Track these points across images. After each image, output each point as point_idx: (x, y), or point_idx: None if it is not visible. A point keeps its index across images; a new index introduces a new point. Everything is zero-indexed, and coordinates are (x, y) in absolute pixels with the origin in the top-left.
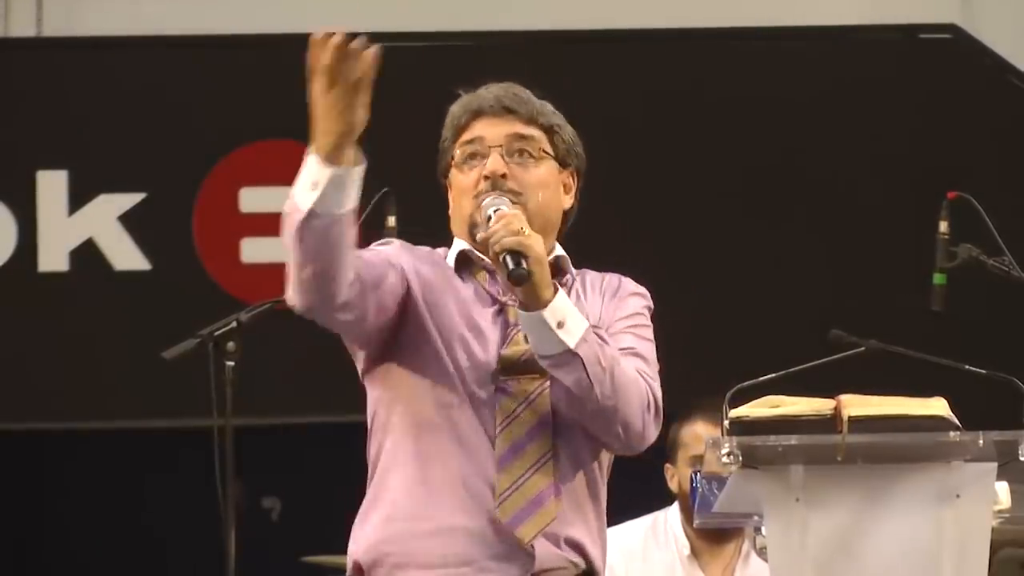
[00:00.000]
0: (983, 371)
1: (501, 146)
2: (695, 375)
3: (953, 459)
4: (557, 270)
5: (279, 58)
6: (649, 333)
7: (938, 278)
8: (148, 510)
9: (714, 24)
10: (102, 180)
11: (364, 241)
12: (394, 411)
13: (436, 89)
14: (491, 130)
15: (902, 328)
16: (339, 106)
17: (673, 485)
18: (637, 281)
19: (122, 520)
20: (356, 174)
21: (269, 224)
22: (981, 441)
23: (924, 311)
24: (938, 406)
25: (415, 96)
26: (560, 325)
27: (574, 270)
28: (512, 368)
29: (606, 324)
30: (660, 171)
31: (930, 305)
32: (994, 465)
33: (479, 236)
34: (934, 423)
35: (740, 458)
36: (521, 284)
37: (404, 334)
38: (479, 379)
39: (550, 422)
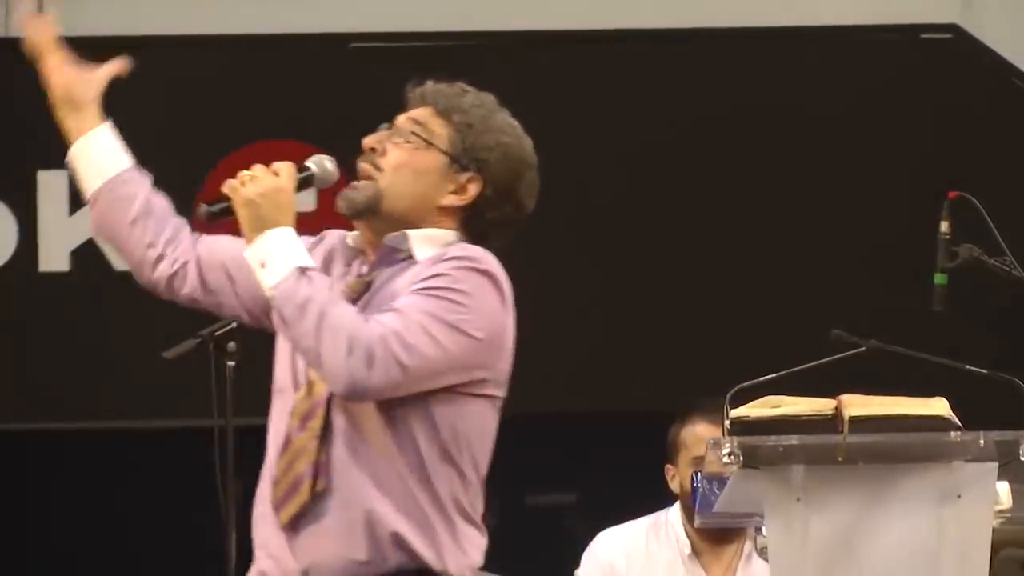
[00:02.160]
0: (984, 371)
1: (394, 125)
2: (696, 375)
3: (954, 459)
4: (388, 252)
5: (281, 59)
6: (439, 292)
7: (939, 278)
8: (148, 510)
9: (715, 24)
10: None
11: None
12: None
13: None
14: (408, 113)
15: (903, 328)
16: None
17: (674, 485)
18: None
19: (122, 521)
20: (83, 146)
21: None
22: (982, 441)
23: (925, 311)
24: (939, 406)
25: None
26: (262, 265)
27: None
28: None
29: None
30: (661, 171)
31: (931, 305)
32: (995, 465)
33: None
34: (935, 423)
35: (741, 458)
36: (207, 222)
37: None
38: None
39: (323, 404)
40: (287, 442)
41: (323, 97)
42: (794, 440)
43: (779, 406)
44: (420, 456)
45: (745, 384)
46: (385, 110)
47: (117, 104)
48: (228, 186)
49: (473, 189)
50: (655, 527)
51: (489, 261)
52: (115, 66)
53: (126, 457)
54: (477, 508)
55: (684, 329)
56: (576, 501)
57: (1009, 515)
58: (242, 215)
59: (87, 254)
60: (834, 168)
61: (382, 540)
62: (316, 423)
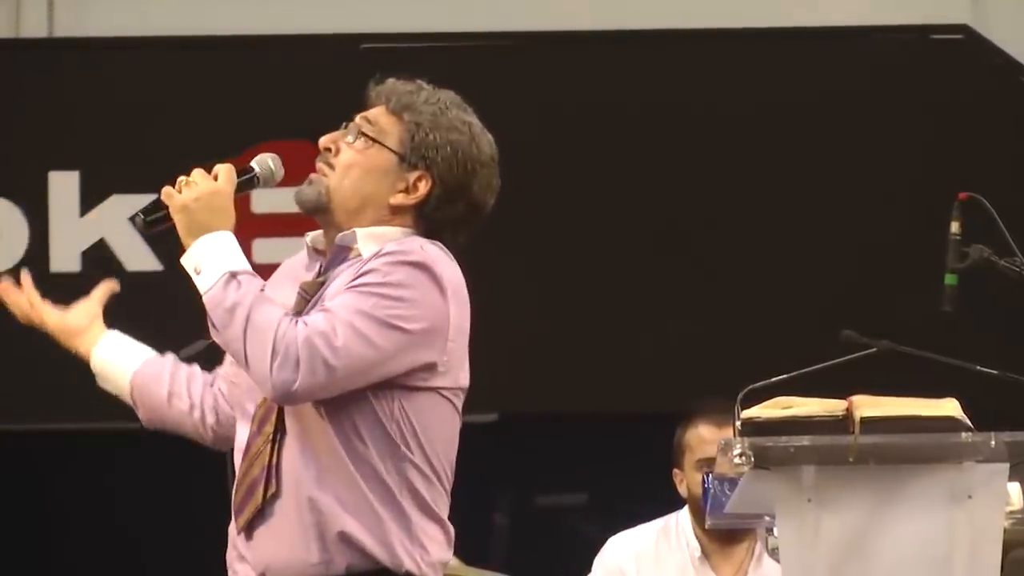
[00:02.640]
0: (995, 372)
1: (348, 124)
2: (707, 376)
3: (965, 460)
4: (338, 252)
5: (290, 59)
6: (369, 288)
7: (949, 279)
8: (161, 511)
9: (725, 24)
10: (114, 181)
11: None
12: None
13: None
14: (362, 113)
15: (914, 329)
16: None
17: (682, 489)
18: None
19: (135, 521)
20: (97, 361)
21: (281, 225)
22: (993, 442)
23: (936, 312)
24: (950, 407)
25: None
26: (197, 272)
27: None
28: None
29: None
30: (672, 171)
31: (942, 306)
32: (1006, 466)
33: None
34: (946, 424)
35: (752, 459)
36: (144, 231)
37: None
38: None
39: (276, 408)
40: (247, 447)
41: (335, 97)
42: (805, 441)
43: (790, 407)
44: (368, 452)
45: (756, 385)
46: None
47: (129, 104)
48: (164, 193)
49: (423, 187)
50: (665, 530)
51: (425, 253)
52: (103, 290)
53: (138, 458)
54: (440, 502)
55: (695, 330)
56: (586, 502)
57: (1020, 516)
58: (178, 221)
59: (98, 254)
60: (844, 168)
61: (331, 540)
62: (269, 427)
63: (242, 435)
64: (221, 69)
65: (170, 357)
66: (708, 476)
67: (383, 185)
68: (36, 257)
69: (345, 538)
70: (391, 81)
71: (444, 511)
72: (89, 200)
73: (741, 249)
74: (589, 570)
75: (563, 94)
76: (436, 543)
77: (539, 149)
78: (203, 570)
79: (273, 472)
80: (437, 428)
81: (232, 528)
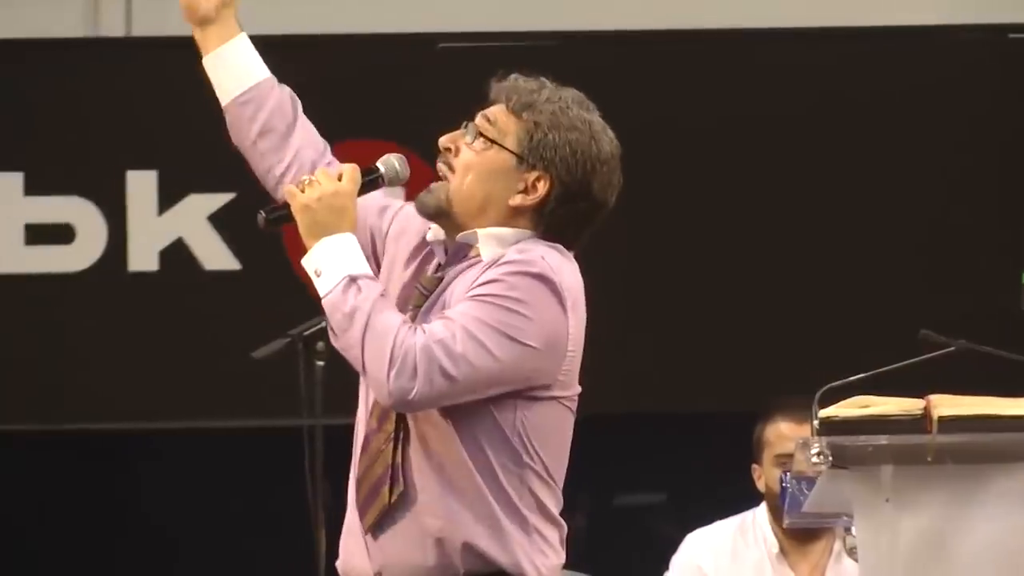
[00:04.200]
0: None
1: (468, 124)
2: (785, 375)
3: None
4: (458, 250)
5: (369, 58)
6: (491, 299)
7: None
8: (237, 510)
9: (804, 24)
10: (192, 180)
11: None
12: None
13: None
14: (483, 111)
15: (992, 328)
16: None
17: (760, 485)
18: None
19: (210, 520)
20: (225, 53)
21: None
22: None
23: (1014, 310)
24: None
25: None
26: (317, 274)
27: (513, 246)
28: None
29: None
30: (752, 169)
31: (1021, 304)
32: None
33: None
34: None
35: (830, 458)
36: (265, 229)
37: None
38: None
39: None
40: (366, 442)
41: (412, 97)
42: (883, 440)
43: (868, 406)
44: (489, 461)
45: (834, 384)
46: (474, 110)
47: (207, 104)
48: (287, 191)
49: (542, 188)
50: (743, 527)
51: (547, 264)
52: None
53: (215, 457)
54: (556, 505)
55: (774, 329)
56: (665, 501)
57: None
58: (300, 221)
59: (175, 254)
60: (922, 167)
61: (453, 548)
62: (390, 425)
63: (360, 425)
64: (299, 69)
65: (276, 96)
66: (786, 475)
67: (502, 186)
68: (114, 256)
69: (468, 547)
70: (513, 78)
71: (558, 511)
72: (167, 199)
73: (821, 248)
74: (667, 568)
75: (645, 93)
76: (553, 547)
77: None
78: (290, 571)
79: (399, 472)
80: (556, 435)
81: (352, 521)
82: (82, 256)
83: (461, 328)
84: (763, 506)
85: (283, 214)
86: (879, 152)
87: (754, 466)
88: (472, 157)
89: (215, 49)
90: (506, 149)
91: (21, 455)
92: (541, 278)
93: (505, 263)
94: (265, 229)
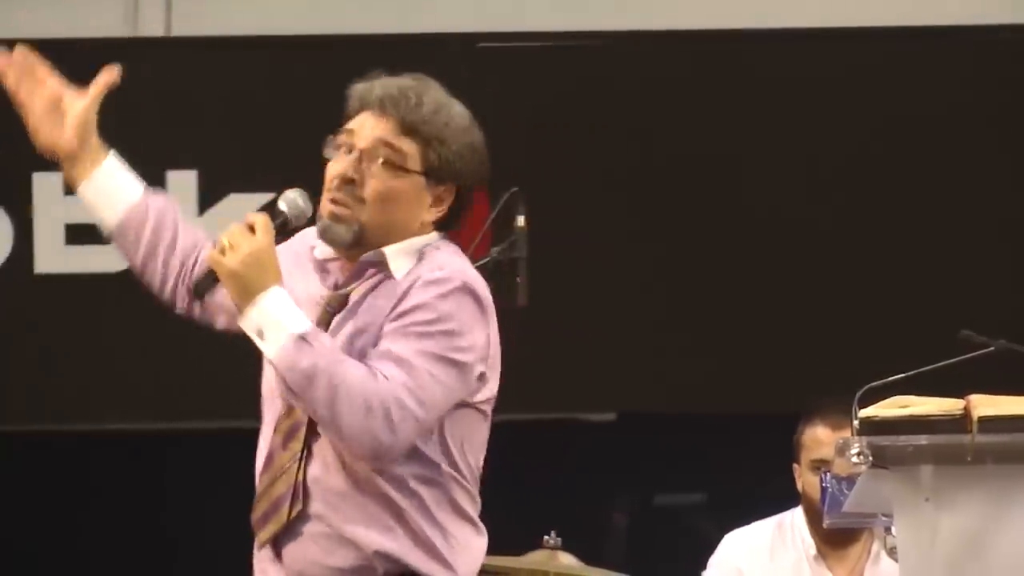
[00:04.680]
0: None
1: (363, 149)
2: (824, 375)
3: None
4: (381, 268)
5: (408, 58)
6: (431, 325)
7: None
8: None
9: (865, 23)
10: (232, 180)
11: (493, 241)
12: None
13: (565, 88)
14: (366, 128)
15: None
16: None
17: (799, 486)
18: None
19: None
20: (89, 189)
21: None
22: None
23: None
24: None
25: (544, 96)
26: (260, 335)
27: (422, 256)
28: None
29: (387, 322)
30: (796, 169)
31: None
32: None
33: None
34: None
35: (870, 458)
36: (200, 298)
37: None
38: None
39: (303, 423)
40: (269, 458)
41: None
42: (923, 440)
43: (907, 406)
44: (402, 469)
45: (874, 384)
46: (513, 110)
47: (247, 103)
48: (210, 259)
49: (449, 197)
50: (781, 527)
51: (464, 274)
52: (106, 78)
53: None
54: (473, 506)
55: (813, 329)
56: (704, 501)
57: None
58: (229, 287)
59: None
60: (962, 167)
61: (366, 555)
62: (297, 444)
63: (263, 441)
64: (338, 68)
65: (154, 209)
66: (826, 475)
67: (415, 207)
68: None
69: (381, 555)
70: (380, 89)
71: (476, 513)
72: (207, 199)
73: (859, 249)
74: (705, 568)
75: (683, 93)
76: (472, 549)
77: (654, 146)
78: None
79: (300, 490)
80: (472, 439)
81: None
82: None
83: (419, 369)
84: (801, 507)
85: (212, 282)
86: (921, 152)
87: (795, 465)
88: (383, 186)
89: (88, 176)
90: (414, 172)
91: (69, 454)
92: (464, 290)
93: (429, 284)
94: (199, 299)
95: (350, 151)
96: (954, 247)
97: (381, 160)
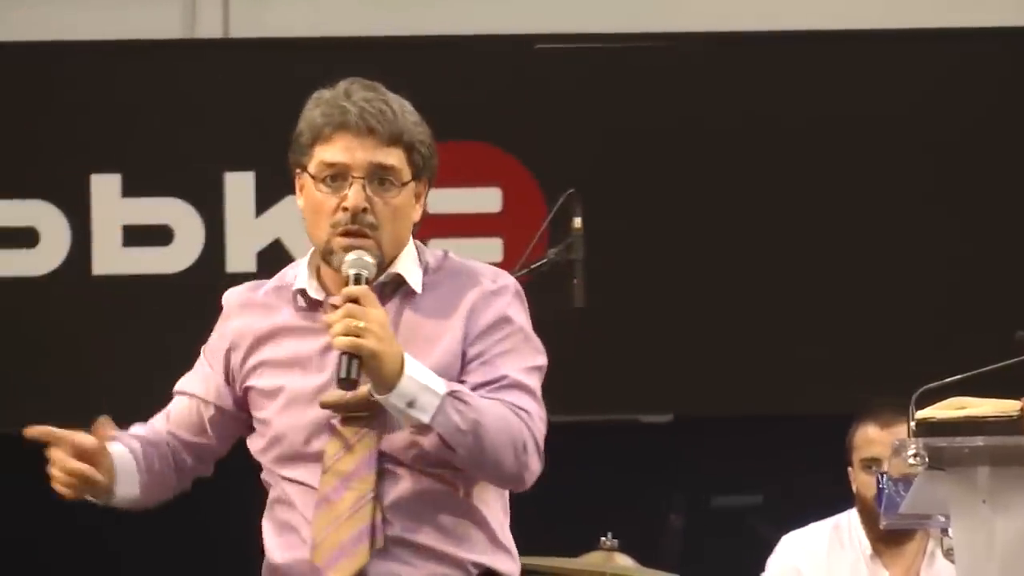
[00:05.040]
0: None
1: (362, 178)
2: (881, 376)
3: None
4: (397, 287)
5: (465, 59)
6: (516, 336)
7: None
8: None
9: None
10: (289, 181)
11: (550, 243)
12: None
13: (622, 90)
14: (354, 154)
15: None
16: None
17: (854, 488)
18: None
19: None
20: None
21: (455, 225)
22: None
23: None
24: None
25: (601, 97)
26: (411, 404)
27: (430, 263)
28: (337, 407)
29: (472, 342)
30: (850, 168)
31: None
32: None
33: (325, 318)
34: None
35: (926, 459)
36: (348, 391)
37: (248, 399)
38: (311, 420)
39: (375, 461)
40: (325, 500)
41: (509, 98)
42: (979, 441)
43: (964, 407)
44: (456, 478)
45: (931, 385)
46: (570, 111)
47: (302, 105)
48: (349, 345)
49: (425, 190)
50: (837, 528)
51: (504, 274)
52: (100, 433)
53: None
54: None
55: (869, 331)
56: (761, 503)
57: None
58: (373, 367)
59: (273, 254)
60: (1018, 166)
61: (460, 566)
62: (364, 486)
63: (304, 476)
64: (395, 69)
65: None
66: (883, 476)
67: (412, 211)
68: (212, 258)
69: (471, 563)
70: (353, 108)
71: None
72: (265, 200)
73: (916, 250)
74: (763, 570)
75: (743, 94)
76: (516, 559)
77: (712, 147)
78: None
79: (379, 526)
80: None
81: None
82: (180, 257)
83: (534, 389)
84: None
85: (358, 368)
86: (975, 151)
87: (848, 468)
88: (391, 207)
89: (114, 493)
90: (408, 182)
91: None
92: (518, 294)
93: (492, 296)
94: (351, 390)
95: (344, 180)
96: (1011, 248)
97: (383, 182)
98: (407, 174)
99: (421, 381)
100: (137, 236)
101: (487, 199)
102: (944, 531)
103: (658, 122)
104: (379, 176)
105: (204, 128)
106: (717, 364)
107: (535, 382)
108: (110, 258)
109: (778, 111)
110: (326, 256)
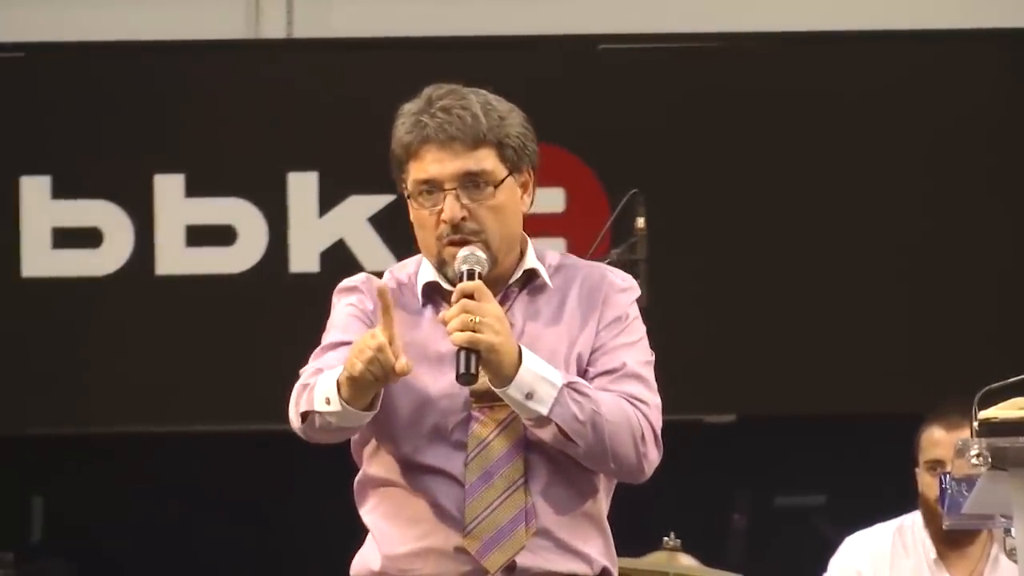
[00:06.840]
0: None
1: (455, 188)
2: (946, 376)
3: None
4: (526, 283)
5: (528, 60)
6: (638, 332)
7: None
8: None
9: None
10: (352, 181)
11: (613, 243)
12: (375, 441)
13: (685, 90)
14: (441, 167)
15: None
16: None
17: (920, 489)
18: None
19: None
20: (364, 418)
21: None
22: None
23: None
24: None
25: (664, 97)
26: (529, 396)
27: (551, 263)
28: (482, 396)
29: (593, 336)
30: (909, 170)
31: None
32: None
33: (441, 315)
34: None
35: (989, 459)
36: (468, 385)
37: None
38: (448, 408)
39: (522, 449)
40: (473, 488)
41: (572, 98)
42: None
43: None
44: (596, 480)
45: (993, 385)
46: (633, 111)
47: (368, 105)
48: (467, 340)
49: (530, 178)
50: (901, 531)
51: (629, 276)
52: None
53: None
54: None
55: (935, 331)
56: (826, 503)
57: None
58: (491, 362)
59: (336, 255)
60: None
61: (588, 565)
62: (514, 473)
63: (445, 464)
64: (458, 70)
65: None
66: (945, 476)
67: (517, 204)
68: (275, 258)
69: (595, 562)
70: (432, 120)
71: None
72: (328, 200)
73: (982, 249)
74: (826, 570)
75: (811, 95)
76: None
77: (775, 147)
78: None
79: (532, 514)
80: None
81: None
82: (243, 257)
83: (651, 382)
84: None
85: (477, 363)
86: None
87: (916, 470)
88: (494, 204)
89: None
90: (504, 178)
91: (192, 455)
92: (640, 294)
93: (621, 291)
94: (470, 384)
95: (438, 192)
96: None
97: (477, 186)
98: (501, 171)
99: (539, 373)
100: (200, 236)
101: (550, 199)
102: (1007, 531)
103: (721, 122)
104: (471, 182)
105: (267, 128)
106: (780, 364)
107: (651, 375)
108: (173, 258)
109: (846, 111)
110: (440, 268)
